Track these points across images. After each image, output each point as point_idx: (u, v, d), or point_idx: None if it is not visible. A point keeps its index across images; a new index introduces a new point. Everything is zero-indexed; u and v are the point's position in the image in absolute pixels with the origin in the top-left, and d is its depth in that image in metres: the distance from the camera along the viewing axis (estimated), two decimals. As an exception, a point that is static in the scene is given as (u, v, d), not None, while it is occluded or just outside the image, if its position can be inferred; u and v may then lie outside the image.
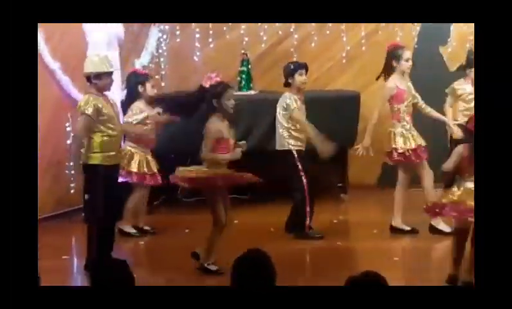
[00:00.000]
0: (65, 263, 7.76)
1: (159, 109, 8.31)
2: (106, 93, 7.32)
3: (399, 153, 8.01)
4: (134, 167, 8.30)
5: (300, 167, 8.03)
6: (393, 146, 8.03)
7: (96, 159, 7.18)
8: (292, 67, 8.18)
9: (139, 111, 8.25)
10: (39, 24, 8.65)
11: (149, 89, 8.39)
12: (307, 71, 8.21)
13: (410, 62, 8.11)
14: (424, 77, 8.97)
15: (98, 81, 7.20)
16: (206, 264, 6.98)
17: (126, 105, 8.42)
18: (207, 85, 7.02)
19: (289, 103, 8.03)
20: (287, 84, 8.14)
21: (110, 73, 7.24)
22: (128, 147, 8.33)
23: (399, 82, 8.10)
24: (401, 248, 7.93)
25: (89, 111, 7.09)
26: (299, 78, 8.08)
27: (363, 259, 7.97)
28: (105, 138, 7.15)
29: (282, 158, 8.20)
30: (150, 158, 8.44)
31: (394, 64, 8.10)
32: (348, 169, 10.23)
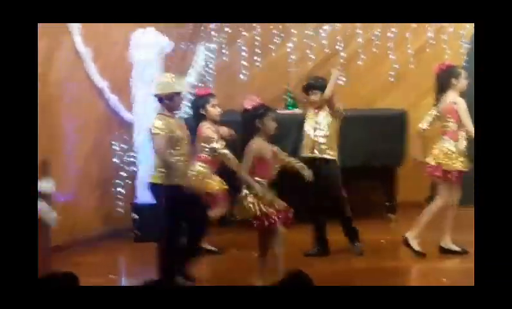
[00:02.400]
0: (111, 282, 7.70)
1: (231, 131, 8.36)
2: (176, 114, 7.34)
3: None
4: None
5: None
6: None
7: (159, 179, 7.14)
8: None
9: (209, 139, 8.21)
10: (86, 42, 8.86)
11: (210, 110, 8.36)
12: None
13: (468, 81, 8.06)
14: (470, 95, 8.85)
15: (169, 101, 7.19)
16: None
17: (194, 127, 8.39)
18: (249, 107, 7.03)
19: None
20: None
21: (180, 93, 7.26)
22: (200, 167, 8.26)
23: (454, 98, 8.04)
24: (448, 269, 7.80)
25: (164, 131, 7.05)
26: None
27: (409, 279, 7.85)
28: (177, 161, 7.11)
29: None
30: (215, 176, 8.41)
31: (454, 82, 8.03)
32: (397, 188, 10.13)
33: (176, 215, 7.18)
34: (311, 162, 8.04)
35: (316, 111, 8.24)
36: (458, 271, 7.83)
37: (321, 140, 8.19)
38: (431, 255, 8.07)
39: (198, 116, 8.34)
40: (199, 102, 8.41)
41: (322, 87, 8.20)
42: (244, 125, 7.12)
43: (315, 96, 8.22)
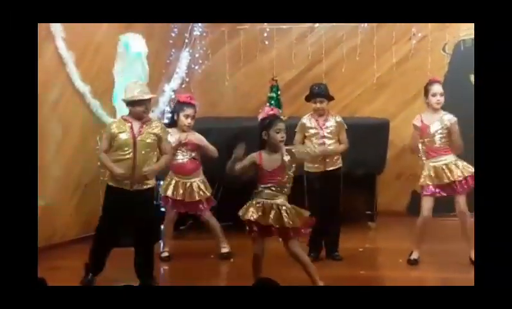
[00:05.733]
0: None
1: (182, 137, 8.37)
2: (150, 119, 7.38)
3: (424, 188, 7.99)
4: (168, 192, 8.41)
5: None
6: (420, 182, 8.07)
7: (109, 179, 7.36)
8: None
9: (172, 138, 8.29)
10: (69, 46, 8.85)
11: (181, 119, 8.41)
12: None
13: (438, 97, 7.98)
14: (453, 106, 8.88)
15: (131, 107, 7.26)
16: None
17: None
18: (259, 119, 7.01)
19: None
20: None
21: (143, 101, 7.25)
22: (169, 174, 8.48)
23: (425, 117, 8.05)
24: (426, 278, 7.80)
25: (108, 132, 7.24)
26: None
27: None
28: (118, 162, 7.19)
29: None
30: (189, 183, 8.45)
31: (426, 99, 8.05)
32: (377, 197, 10.17)
33: (108, 216, 7.34)
34: (321, 175, 8.11)
35: (322, 119, 8.21)
36: (434, 281, 7.85)
37: (331, 152, 8.20)
38: (408, 265, 8.09)
39: (171, 120, 8.50)
40: (175, 108, 8.50)
41: (325, 94, 8.22)
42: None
43: (321, 104, 8.19)
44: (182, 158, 8.46)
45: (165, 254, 8.60)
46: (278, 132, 6.83)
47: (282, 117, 9.80)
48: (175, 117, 8.46)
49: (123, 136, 7.20)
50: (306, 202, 8.11)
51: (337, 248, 8.34)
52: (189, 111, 8.41)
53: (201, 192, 8.46)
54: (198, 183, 8.48)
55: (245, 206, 6.85)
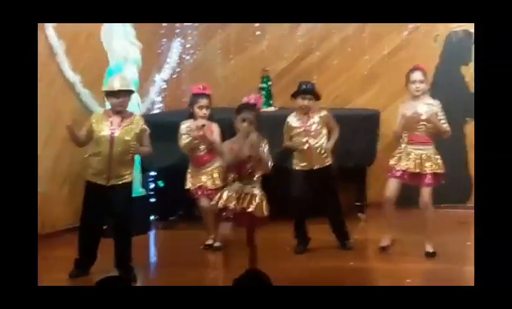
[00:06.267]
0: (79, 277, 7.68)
1: (201, 122, 8.35)
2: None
3: (393, 170, 8.11)
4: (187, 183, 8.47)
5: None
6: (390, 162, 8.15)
7: (87, 173, 7.45)
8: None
9: (185, 130, 8.29)
10: (60, 35, 8.81)
11: (197, 111, 8.38)
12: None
13: (417, 85, 8.01)
14: (445, 97, 8.88)
15: (108, 99, 7.27)
16: None
17: None
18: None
19: None
20: None
21: (117, 93, 7.23)
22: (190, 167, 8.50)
23: (408, 106, 8.07)
24: (414, 270, 7.81)
25: (84, 128, 7.33)
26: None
27: (374, 279, 7.87)
28: (93, 157, 7.31)
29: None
30: (199, 175, 8.48)
31: (406, 87, 8.09)
32: (367, 188, 10.16)
33: (88, 210, 7.45)
34: (311, 173, 8.11)
35: (307, 116, 8.21)
36: (422, 273, 7.86)
37: (319, 150, 8.22)
38: (397, 256, 8.10)
39: (189, 113, 8.45)
40: (191, 100, 8.47)
41: (313, 92, 8.21)
42: None
43: (309, 101, 8.20)
44: (201, 150, 8.43)
45: (217, 244, 8.41)
46: (243, 121, 6.88)
47: (272, 108, 9.95)
48: (191, 110, 8.40)
49: (101, 131, 7.20)
50: (289, 195, 8.15)
51: (348, 237, 8.43)
52: (203, 101, 8.39)
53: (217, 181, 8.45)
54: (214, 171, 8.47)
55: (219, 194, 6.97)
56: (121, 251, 7.41)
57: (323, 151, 8.22)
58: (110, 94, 7.25)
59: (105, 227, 7.75)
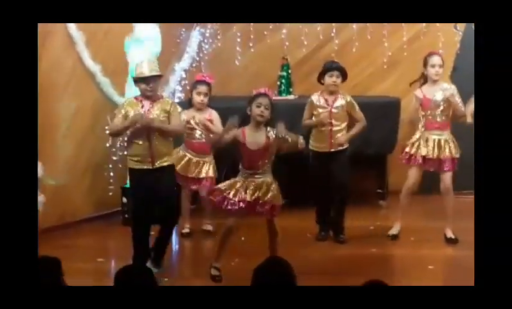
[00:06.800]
0: (99, 266, 7.73)
1: (202, 115, 8.38)
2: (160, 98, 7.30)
3: (408, 156, 8.13)
4: (179, 169, 8.33)
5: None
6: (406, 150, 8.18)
7: (130, 163, 7.28)
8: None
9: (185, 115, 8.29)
10: (79, 26, 8.83)
11: (194, 97, 8.39)
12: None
13: (437, 68, 8.01)
14: (466, 83, 8.84)
15: (136, 85, 7.24)
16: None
17: None
18: None
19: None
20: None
21: (147, 78, 7.19)
22: (180, 150, 8.46)
23: (426, 90, 8.05)
24: (436, 257, 7.80)
25: (119, 115, 7.19)
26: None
27: (396, 266, 7.87)
28: (134, 144, 7.19)
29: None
30: (202, 162, 8.49)
31: (424, 71, 8.07)
32: (388, 176, 10.14)
33: (136, 199, 7.29)
34: (327, 156, 8.08)
35: (332, 98, 8.17)
36: (444, 260, 7.84)
37: (339, 133, 8.15)
38: (419, 243, 8.09)
39: (189, 100, 8.44)
40: (191, 86, 8.53)
41: (340, 68, 8.17)
42: None
43: (337, 79, 8.13)
44: (198, 137, 8.45)
45: (186, 230, 8.60)
46: (258, 107, 6.81)
47: (293, 96, 9.94)
48: (190, 95, 8.46)
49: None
50: (309, 180, 8.13)
51: (342, 230, 8.30)
52: (201, 88, 8.40)
53: (210, 172, 8.47)
54: (208, 163, 8.48)
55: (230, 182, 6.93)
56: (165, 239, 7.35)
57: (341, 136, 8.15)
58: (140, 80, 7.20)
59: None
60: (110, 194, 9.38)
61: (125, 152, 9.24)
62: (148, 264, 7.06)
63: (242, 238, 7.98)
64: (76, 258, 7.65)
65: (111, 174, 9.44)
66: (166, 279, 7.04)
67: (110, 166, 9.43)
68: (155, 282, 4.25)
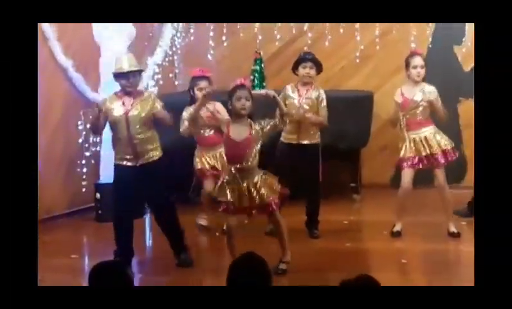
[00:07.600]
0: (73, 262, 7.69)
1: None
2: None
3: (404, 161, 8.03)
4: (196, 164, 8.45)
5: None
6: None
7: (114, 159, 7.25)
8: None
9: (187, 116, 8.23)
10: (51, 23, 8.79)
11: (197, 93, 8.34)
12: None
13: (419, 70, 7.96)
14: (438, 77, 8.89)
15: (116, 80, 7.20)
16: None
17: None
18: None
19: None
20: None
21: (126, 74, 7.14)
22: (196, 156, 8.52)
23: (406, 90, 8.05)
24: (409, 250, 7.83)
25: (102, 110, 7.14)
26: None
27: (370, 260, 7.89)
28: (117, 141, 7.18)
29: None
30: (207, 155, 8.50)
31: (406, 71, 8.04)
32: (361, 169, 10.18)
33: (118, 195, 7.23)
34: (296, 148, 8.06)
35: (305, 89, 8.13)
36: (417, 253, 7.87)
37: (309, 126, 8.08)
38: (392, 237, 8.13)
39: (190, 97, 8.39)
40: (190, 84, 8.44)
41: (314, 60, 8.15)
42: None
43: (310, 70, 8.07)
44: (208, 130, 8.43)
45: (202, 222, 8.62)
46: (239, 100, 6.81)
47: (266, 90, 9.90)
48: (191, 93, 8.38)
49: (115, 113, 7.13)
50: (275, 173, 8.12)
51: (317, 225, 8.28)
52: (202, 83, 8.33)
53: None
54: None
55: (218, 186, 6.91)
56: (171, 235, 7.35)
57: (311, 129, 8.14)
58: (119, 75, 7.15)
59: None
60: (84, 190, 9.34)
61: (98, 148, 9.33)
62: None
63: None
64: (52, 254, 7.62)
65: (84, 170, 9.40)
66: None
67: (84, 162, 9.38)
68: (130, 279, 4.22)
